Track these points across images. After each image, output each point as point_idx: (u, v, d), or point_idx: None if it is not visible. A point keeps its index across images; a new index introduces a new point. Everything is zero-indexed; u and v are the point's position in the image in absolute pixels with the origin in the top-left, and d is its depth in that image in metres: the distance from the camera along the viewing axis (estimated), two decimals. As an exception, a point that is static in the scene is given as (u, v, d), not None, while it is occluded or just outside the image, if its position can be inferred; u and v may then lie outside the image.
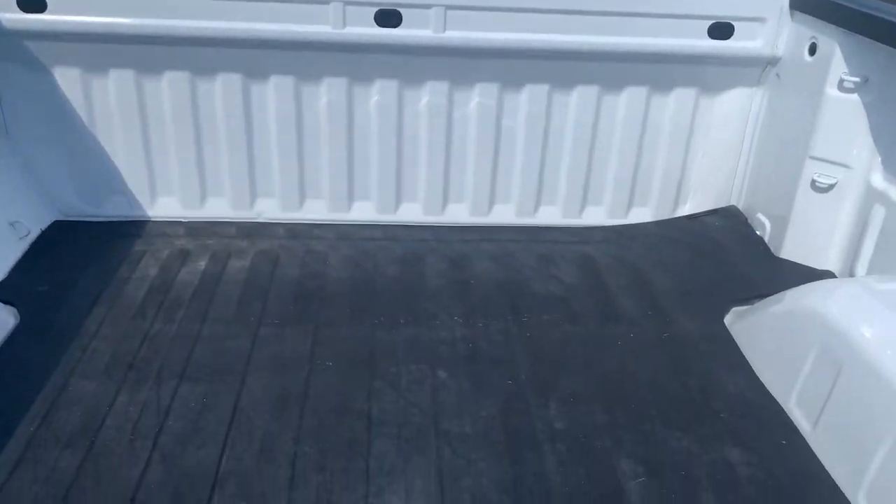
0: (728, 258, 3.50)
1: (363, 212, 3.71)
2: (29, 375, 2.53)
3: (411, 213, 3.73)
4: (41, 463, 2.18)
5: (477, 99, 3.53)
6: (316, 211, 3.69)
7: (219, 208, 3.64)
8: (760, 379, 2.70)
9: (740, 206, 3.85)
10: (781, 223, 3.48)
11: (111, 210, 3.58)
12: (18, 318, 2.83)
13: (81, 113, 3.40)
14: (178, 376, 2.57)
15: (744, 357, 2.82)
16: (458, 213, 3.76)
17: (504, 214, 3.78)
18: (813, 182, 3.27)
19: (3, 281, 3.04)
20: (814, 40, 3.26)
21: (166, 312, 2.92)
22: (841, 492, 2.22)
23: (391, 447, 2.32)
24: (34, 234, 3.39)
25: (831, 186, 3.22)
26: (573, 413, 2.49)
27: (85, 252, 3.31)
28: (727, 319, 3.07)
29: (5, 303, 2.88)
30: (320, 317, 2.96)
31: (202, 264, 3.28)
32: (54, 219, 3.54)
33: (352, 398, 2.52)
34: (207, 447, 2.27)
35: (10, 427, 2.30)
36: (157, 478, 2.15)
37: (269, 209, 3.66)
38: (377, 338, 2.85)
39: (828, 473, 2.29)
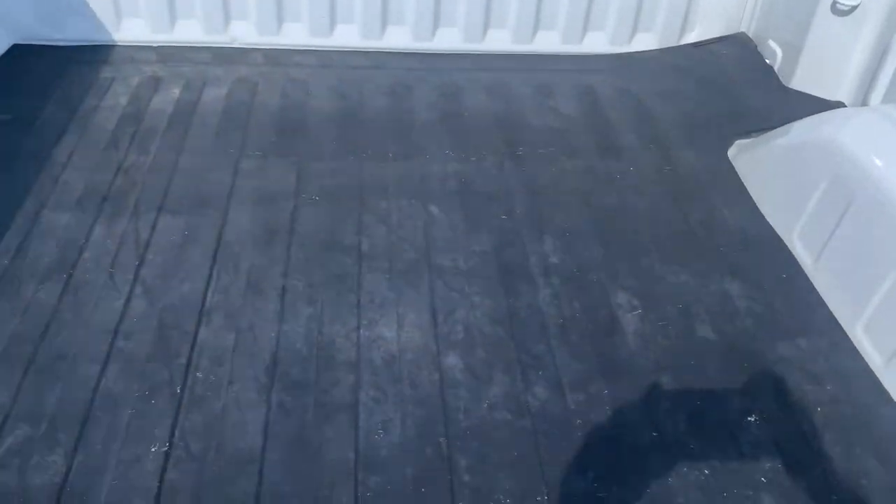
0: (735, 88, 3.31)
1: (347, 37, 3.44)
2: (-2, 207, 2.40)
3: (399, 38, 3.46)
4: (18, 296, 2.10)
5: None
6: (295, 35, 3.41)
7: (191, 32, 3.35)
8: (763, 213, 2.61)
9: (750, 33, 3.61)
10: (794, 51, 3.26)
11: (73, 33, 3.29)
12: (-18, 148, 2.65)
13: None
14: (157, 209, 2.44)
15: (746, 191, 2.72)
16: (450, 39, 3.49)
17: (499, 41, 3.51)
18: (833, 4, 3.02)
19: (-40, 110, 2.83)
20: None
21: (140, 143, 2.74)
22: (839, 324, 2.19)
23: (382, 281, 2.25)
24: (-9, 59, 3.13)
25: (853, 9, 2.97)
26: (569, 248, 2.42)
27: (48, 79, 3.07)
28: (731, 152, 2.94)
29: (-34, 133, 2.69)
30: (304, 149, 2.80)
31: (176, 92, 3.06)
32: (12, 42, 3.26)
33: (340, 233, 2.42)
34: (192, 281, 2.19)
35: (-18, 261, 2.20)
36: (141, 310, 2.08)
37: (244, 33, 3.38)
38: (365, 172, 2.71)
39: (827, 306, 2.25)
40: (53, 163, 2.61)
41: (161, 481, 1.67)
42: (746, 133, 3.01)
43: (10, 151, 2.64)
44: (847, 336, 2.16)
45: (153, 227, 2.37)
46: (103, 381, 1.88)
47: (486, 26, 3.46)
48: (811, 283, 2.32)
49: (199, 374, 1.91)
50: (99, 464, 1.69)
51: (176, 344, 1.99)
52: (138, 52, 3.29)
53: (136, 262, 2.23)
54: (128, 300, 2.11)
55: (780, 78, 3.34)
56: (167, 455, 1.72)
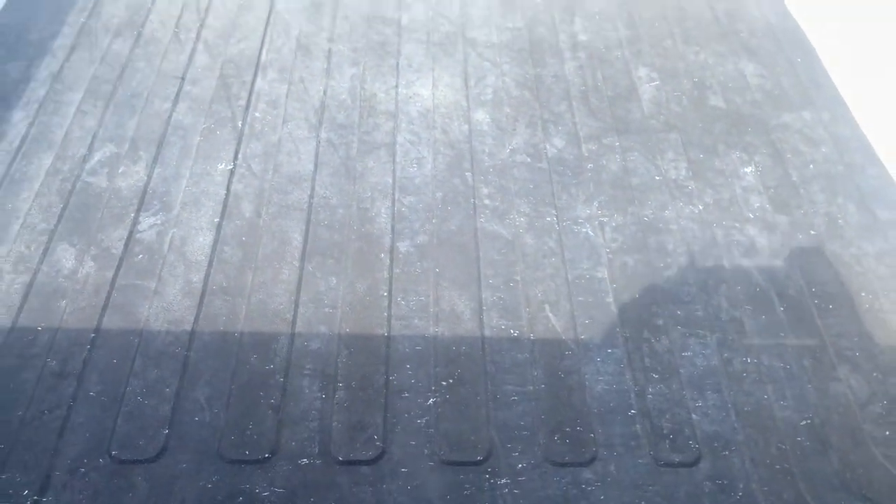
0: None
1: None
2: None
3: None
4: (96, 47, 2.35)
5: None
6: None
7: None
8: (789, 8, 2.70)
9: None
10: None
11: None
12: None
13: None
14: (214, -19, 2.63)
15: (776, -14, 2.79)
16: None
17: None
18: None
19: None
20: None
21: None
22: (844, 101, 2.34)
23: (420, 49, 2.45)
24: None
25: None
26: (597, 28, 2.56)
27: None
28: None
29: None
30: (350, -65, 2.92)
31: None
32: None
33: (382, 7, 2.59)
34: (248, 41, 2.41)
35: (60, 19, 2.44)
36: (204, 63, 2.32)
37: None
38: (407, -44, 2.84)
39: (835, 87, 2.39)
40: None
41: (228, 190, 1.96)
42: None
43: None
44: (849, 111, 2.31)
45: (211, -3, 2.57)
46: (174, 115, 2.15)
47: None
48: (824, 67, 2.45)
49: (257, 114, 2.17)
50: (175, 174, 1.99)
51: (236, 90, 2.24)
52: None
53: (198, 25, 2.45)
54: (192, 54, 2.35)
55: None
56: (232, 172, 2.01)
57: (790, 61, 2.48)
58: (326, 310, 1.72)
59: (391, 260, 1.83)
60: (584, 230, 1.93)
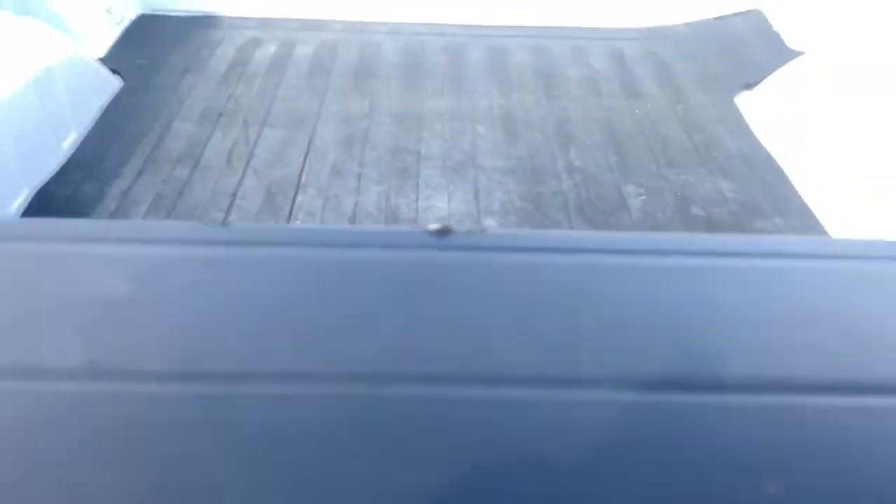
0: (747, 49, 3.81)
1: (412, 11, 4.08)
2: (138, 119, 3.07)
3: (455, 13, 4.09)
4: (159, 172, 2.75)
5: None
6: (369, 9, 4.07)
7: (284, 5, 4.05)
8: (759, 140, 3.10)
9: (763, 8, 4.11)
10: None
11: (188, 5, 4.01)
12: (123, 82, 3.35)
13: None
14: (261, 123, 3.08)
15: (747, 124, 3.21)
16: (498, 14, 4.10)
17: (541, 15, 4.10)
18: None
19: (105, 56, 3.55)
20: None
21: (246, 80, 3.41)
22: (811, 211, 2.66)
23: (437, 173, 2.83)
24: (125, 22, 3.86)
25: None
26: (590, 155, 2.95)
27: (171, 38, 3.78)
28: (737, 99, 3.44)
29: (112, 71, 3.40)
30: (377, 88, 3.42)
31: (272, 48, 3.73)
32: (140, 12, 4.00)
33: (404, 142, 3.02)
34: (290, 167, 2.81)
35: (130, 150, 2.86)
36: (252, 184, 2.71)
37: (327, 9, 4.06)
38: (426, 104, 3.31)
39: (803, 200, 2.72)
40: (178, 92, 3.29)
41: (270, 280, 2.26)
42: (752, 84, 3.50)
43: (146, 84, 3.34)
44: (817, 220, 2.62)
45: (259, 135, 3.01)
46: (227, 222, 2.49)
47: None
48: (790, 183, 2.80)
49: (297, 221, 2.51)
50: (226, 267, 2.29)
51: (280, 204, 2.60)
52: (242, 21, 3.99)
53: (248, 156, 2.87)
54: (242, 177, 2.74)
55: (785, 41, 3.82)
56: (274, 266, 2.31)
57: (762, 181, 2.83)
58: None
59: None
60: (582, 311, 2.18)
